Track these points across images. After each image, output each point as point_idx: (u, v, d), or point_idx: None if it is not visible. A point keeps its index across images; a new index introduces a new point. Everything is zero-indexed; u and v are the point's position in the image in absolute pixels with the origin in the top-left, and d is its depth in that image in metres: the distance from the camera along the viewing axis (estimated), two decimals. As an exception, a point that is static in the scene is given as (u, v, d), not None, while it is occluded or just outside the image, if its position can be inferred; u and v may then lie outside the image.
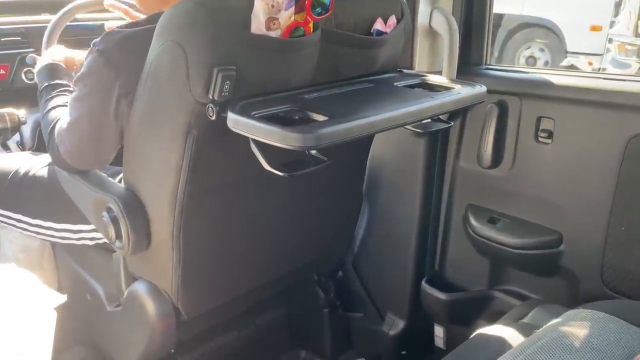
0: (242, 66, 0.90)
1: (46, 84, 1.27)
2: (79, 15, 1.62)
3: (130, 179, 1.10)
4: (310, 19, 0.96)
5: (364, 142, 1.31)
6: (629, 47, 4.66)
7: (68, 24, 1.58)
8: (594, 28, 5.06)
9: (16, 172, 1.33)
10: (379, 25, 1.10)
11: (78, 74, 1.04)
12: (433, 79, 1.17)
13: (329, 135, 0.85)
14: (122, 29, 1.00)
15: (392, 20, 1.12)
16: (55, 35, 1.55)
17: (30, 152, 1.58)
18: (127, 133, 1.05)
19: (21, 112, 1.56)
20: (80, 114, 1.05)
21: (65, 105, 1.16)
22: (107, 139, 1.06)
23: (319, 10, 0.96)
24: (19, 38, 1.76)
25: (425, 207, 1.50)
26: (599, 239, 1.25)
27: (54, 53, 1.37)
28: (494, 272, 1.45)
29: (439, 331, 1.58)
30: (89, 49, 1.01)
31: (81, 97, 1.04)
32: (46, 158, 1.34)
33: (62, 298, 1.10)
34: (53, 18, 1.56)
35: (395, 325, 1.57)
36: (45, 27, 1.56)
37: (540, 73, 1.38)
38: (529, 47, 5.41)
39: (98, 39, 0.99)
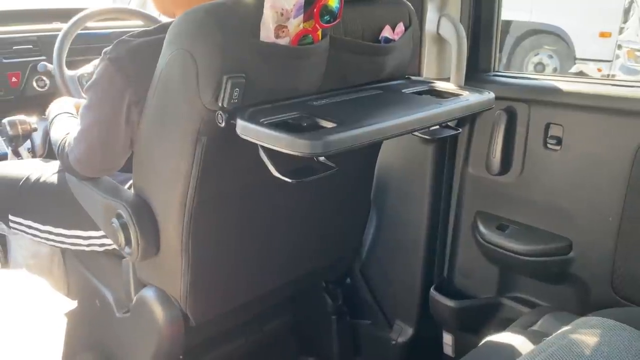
0: (251, 74, 0.91)
1: (57, 113, 1.30)
2: (89, 24, 1.64)
3: (139, 186, 1.11)
4: (318, 27, 0.96)
5: (372, 149, 1.31)
6: (638, 53, 4.64)
7: (79, 32, 1.60)
8: (603, 34, 5.03)
9: (27, 178, 1.34)
10: (387, 32, 1.10)
11: (89, 82, 1.05)
12: (441, 85, 1.17)
13: (338, 142, 0.85)
14: (133, 37, 1.01)
15: (400, 27, 1.12)
16: (67, 43, 1.57)
17: (41, 158, 1.60)
18: (137, 140, 1.05)
19: (32, 119, 1.58)
20: (91, 121, 1.06)
21: (75, 118, 1.18)
22: (117, 146, 1.06)
23: (327, 18, 0.96)
24: (31, 46, 1.79)
25: (434, 213, 1.50)
26: (608, 246, 1.24)
27: (64, 104, 1.39)
28: (503, 279, 1.44)
29: (447, 339, 1.57)
30: (100, 57, 1.03)
31: (92, 105, 1.05)
32: (57, 165, 1.36)
33: (73, 304, 1.11)
34: (64, 27, 1.58)
35: (403, 332, 1.56)
36: (57, 35, 1.58)
37: (548, 79, 1.38)
38: (537, 54, 5.38)
39: (109, 47, 1.00)
